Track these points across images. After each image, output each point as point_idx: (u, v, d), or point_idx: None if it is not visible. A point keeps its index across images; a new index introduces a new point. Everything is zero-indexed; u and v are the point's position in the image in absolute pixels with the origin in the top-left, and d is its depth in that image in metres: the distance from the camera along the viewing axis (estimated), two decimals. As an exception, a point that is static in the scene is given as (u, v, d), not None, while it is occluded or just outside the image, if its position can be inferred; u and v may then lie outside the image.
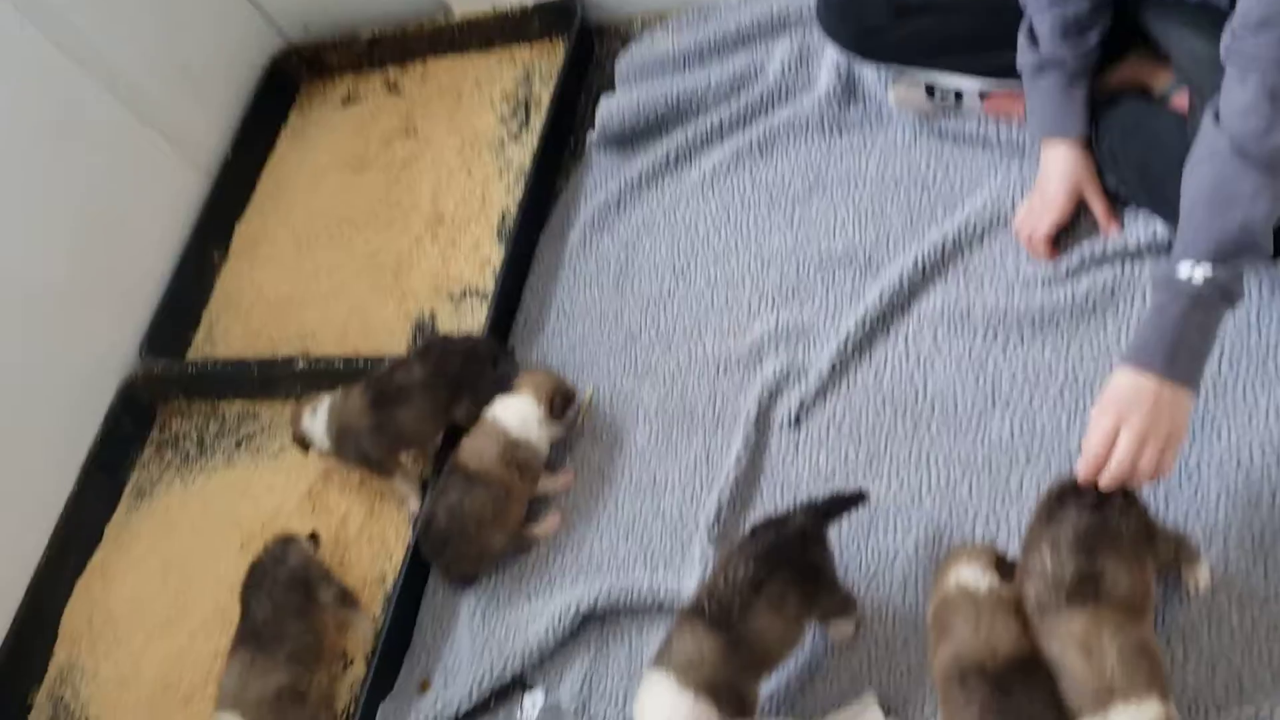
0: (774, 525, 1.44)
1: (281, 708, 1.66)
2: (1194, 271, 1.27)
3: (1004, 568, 1.35)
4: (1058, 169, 1.66)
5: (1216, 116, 1.31)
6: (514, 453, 1.77)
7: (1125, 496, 1.29)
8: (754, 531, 1.45)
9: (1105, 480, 1.28)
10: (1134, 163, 1.63)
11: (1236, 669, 1.33)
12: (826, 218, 1.94)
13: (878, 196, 1.92)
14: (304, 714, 1.69)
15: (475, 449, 1.78)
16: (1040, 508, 1.33)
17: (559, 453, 1.89)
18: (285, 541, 1.80)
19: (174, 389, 2.29)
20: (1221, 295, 1.28)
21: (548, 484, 1.84)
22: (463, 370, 1.89)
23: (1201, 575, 1.37)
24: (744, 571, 1.38)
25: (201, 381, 2.26)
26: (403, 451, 1.94)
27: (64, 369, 2.19)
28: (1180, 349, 1.28)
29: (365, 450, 1.89)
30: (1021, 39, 1.64)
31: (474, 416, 1.86)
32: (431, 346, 1.92)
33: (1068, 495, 1.30)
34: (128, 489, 2.23)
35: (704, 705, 1.33)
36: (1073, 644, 1.20)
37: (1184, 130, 1.52)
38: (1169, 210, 1.52)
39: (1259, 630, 1.34)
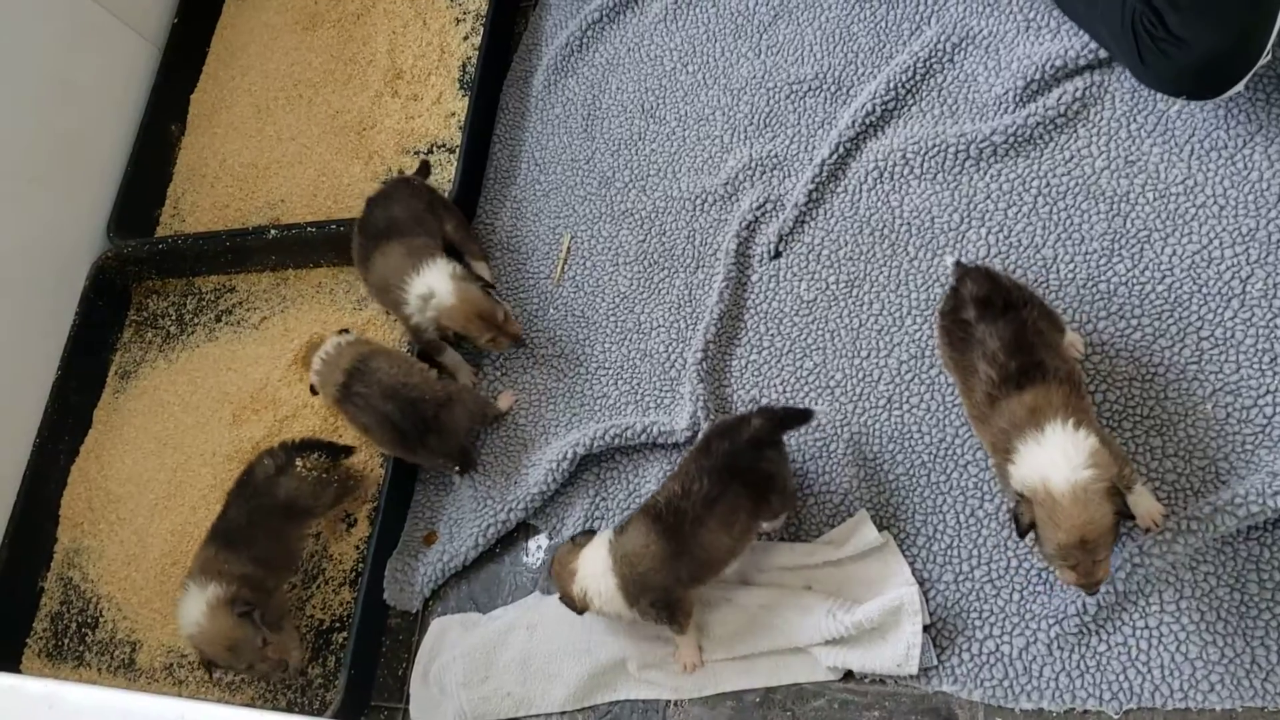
0: (729, 434, 1.44)
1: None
2: None
3: None
4: None
5: None
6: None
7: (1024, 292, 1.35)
8: (709, 441, 1.46)
9: None
10: None
11: (1212, 458, 1.38)
12: (793, 43, 1.90)
13: (843, 17, 1.87)
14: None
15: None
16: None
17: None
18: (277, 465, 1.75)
19: (146, 268, 2.26)
20: None
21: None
22: (433, 194, 1.90)
23: (1076, 343, 1.47)
24: (699, 487, 1.40)
25: (173, 258, 2.23)
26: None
27: (33, 257, 2.15)
28: None
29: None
30: None
31: (464, 230, 1.91)
32: (395, 182, 1.91)
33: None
34: (112, 371, 2.23)
35: (619, 594, 1.44)
36: (1022, 409, 1.26)
37: None
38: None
39: (1231, 419, 1.39)
